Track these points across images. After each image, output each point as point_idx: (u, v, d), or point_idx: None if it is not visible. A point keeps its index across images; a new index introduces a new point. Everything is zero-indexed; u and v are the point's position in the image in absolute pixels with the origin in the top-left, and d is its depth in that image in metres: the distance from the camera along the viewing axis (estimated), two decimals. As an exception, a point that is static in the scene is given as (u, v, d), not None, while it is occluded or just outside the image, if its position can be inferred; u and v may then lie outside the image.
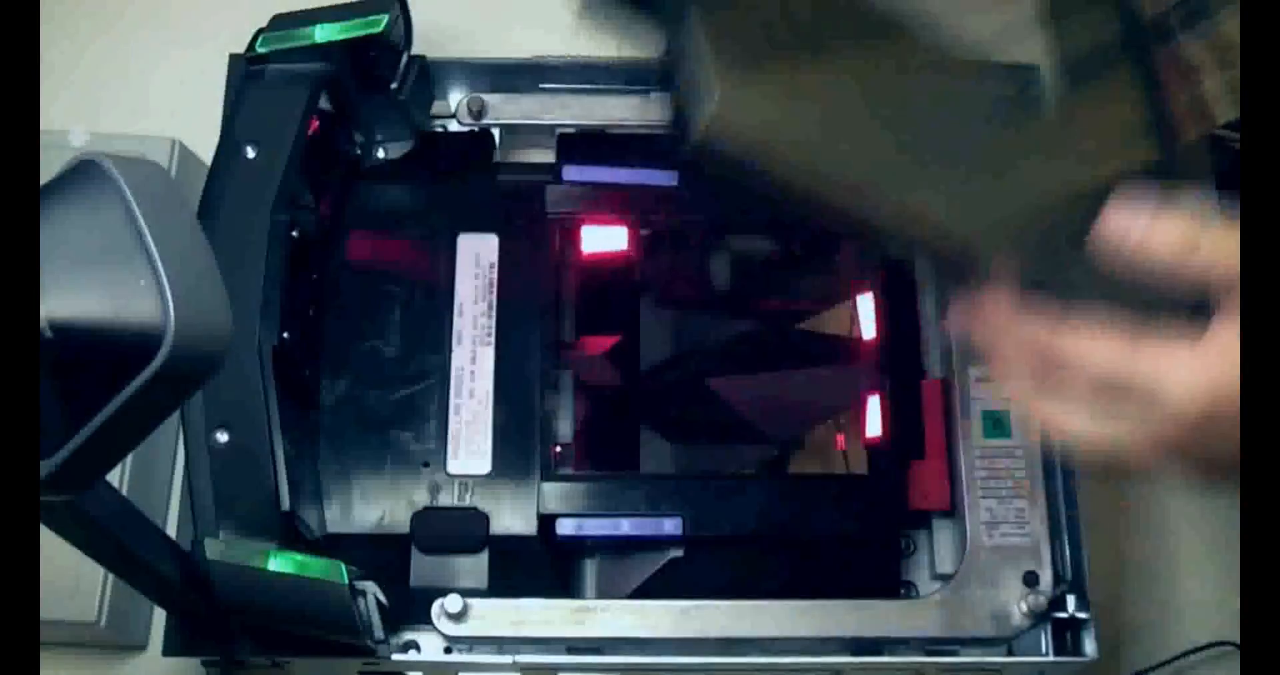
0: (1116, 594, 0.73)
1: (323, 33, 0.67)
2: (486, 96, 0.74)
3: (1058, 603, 0.64)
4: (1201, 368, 0.48)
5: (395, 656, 0.63)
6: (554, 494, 0.65)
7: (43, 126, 0.68)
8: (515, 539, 0.65)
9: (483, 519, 0.65)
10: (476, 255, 0.70)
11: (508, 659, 0.63)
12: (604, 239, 0.72)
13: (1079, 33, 0.57)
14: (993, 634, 0.64)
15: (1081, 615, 0.64)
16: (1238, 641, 0.71)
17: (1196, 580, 0.74)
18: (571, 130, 0.74)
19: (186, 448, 0.60)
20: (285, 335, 0.62)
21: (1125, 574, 0.74)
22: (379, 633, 0.61)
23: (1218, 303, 0.49)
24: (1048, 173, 0.53)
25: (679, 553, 0.65)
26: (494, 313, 0.69)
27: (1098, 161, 0.53)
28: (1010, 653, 0.65)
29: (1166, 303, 0.49)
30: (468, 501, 0.65)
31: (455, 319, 0.69)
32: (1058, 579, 0.65)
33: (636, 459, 0.69)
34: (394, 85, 0.70)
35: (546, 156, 0.74)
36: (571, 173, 0.72)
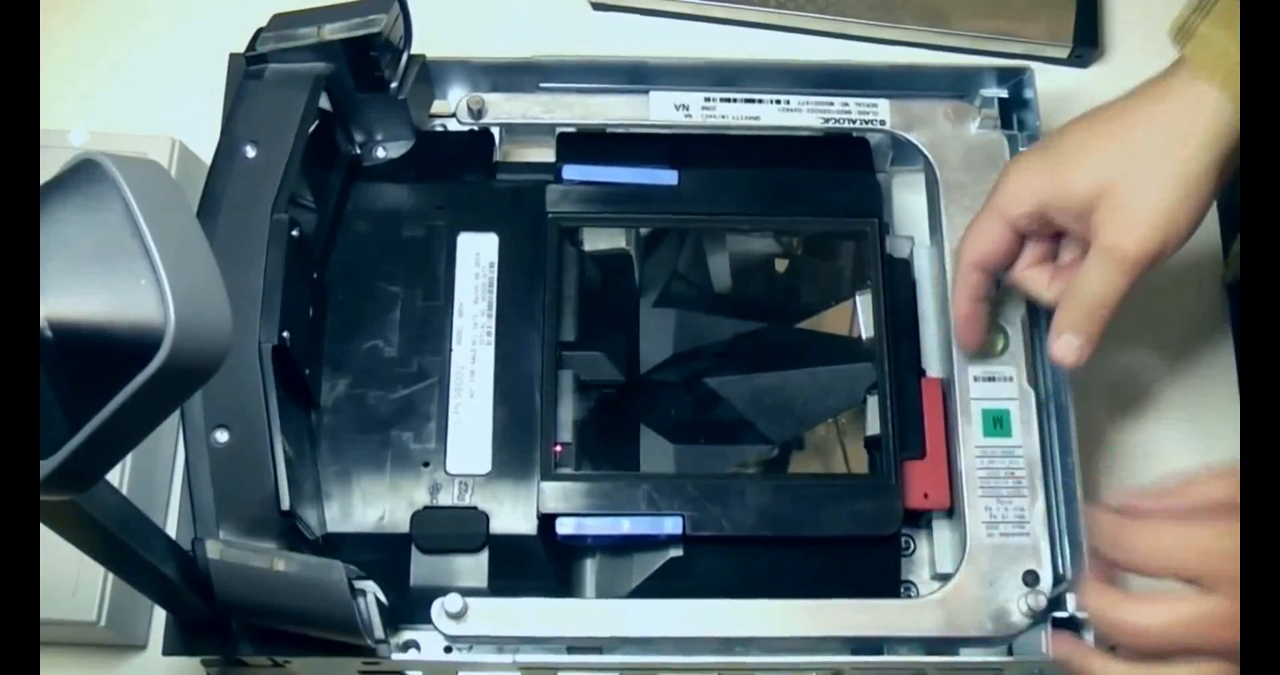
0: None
1: (323, 32, 0.67)
2: (486, 96, 0.74)
3: (1058, 602, 0.64)
4: None
5: (395, 656, 0.63)
6: (554, 493, 0.65)
7: (43, 126, 0.68)
8: (515, 538, 0.65)
9: (483, 519, 0.65)
10: (476, 255, 0.70)
11: (508, 659, 0.63)
12: (604, 239, 0.72)
13: None
14: (993, 634, 0.64)
15: (1082, 615, 0.64)
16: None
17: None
18: (571, 130, 0.74)
19: (186, 448, 0.60)
20: (285, 335, 0.62)
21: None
22: (379, 632, 0.61)
23: None
24: None
25: (679, 552, 0.65)
26: (494, 313, 0.69)
27: None
28: (1010, 652, 0.65)
29: None
30: (468, 501, 0.65)
31: (455, 319, 0.69)
32: (1058, 578, 0.65)
33: (636, 459, 0.69)
34: (394, 85, 0.70)
35: (546, 156, 0.74)
36: (571, 172, 0.72)
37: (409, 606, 0.63)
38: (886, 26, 0.83)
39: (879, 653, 0.64)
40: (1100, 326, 0.62)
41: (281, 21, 0.68)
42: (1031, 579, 0.64)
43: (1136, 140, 0.61)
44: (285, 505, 0.60)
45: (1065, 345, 0.63)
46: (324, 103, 0.69)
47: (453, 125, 0.74)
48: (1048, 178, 0.63)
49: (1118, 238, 0.60)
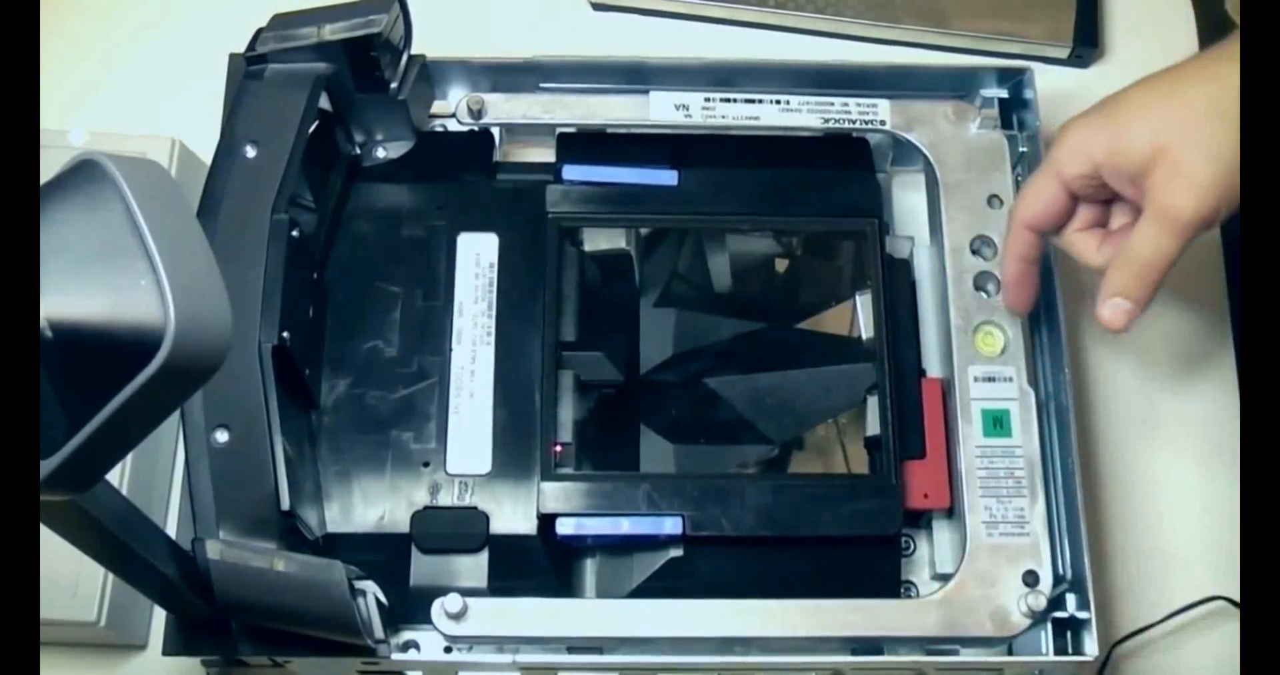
0: (1107, 552, 0.73)
1: (323, 32, 0.67)
2: (486, 96, 0.74)
3: (1058, 602, 0.64)
4: None
5: (395, 656, 0.63)
6: (554, 493, 0.65)
7: (43, 126, 0.68)
8: (515, 538, 0.65)
9: (483, 518, 0.65)
10: (476, 255, 0.70)
11: (508, 659, 0.63)
12: (604, 239, 0.72)
13: None
14: (993, 634, 0.64)
15: (1081, 615, 0.64)
16: (1230, 596, 0.70)
17: (1186, 535, 0.73)
18: (571, 130, 0.74)
19: (186, 448, 0.60)
20: (285, 335, 0.62)
21: (1114, 530, 0.73)
22: (379, 632, 0.61)
23: None
24: None
25: (679, 552, 0.65)
26: (494, 313, 0.69)
27: None
28: (1010, 652, 0.65)
29: None
30: (468, 501, 0.65)
31: (455, 319, 0.69)
32: (1058, 579, 0.65)
33: (636, 459, 0.69)
34: (394, 85, 0.70)
35: (546, 156, 0.74)
36: (571, 172, 0.72)
37: (409, 606, 0.63)
38: (886, 26, 0.83)
39: (879, 653, 0.64)
40: (1150, 290, 0.61)
41: (281, 21, 0.68)
42: (1031, 579, 0.64)
43: (1193, 104, 0.60)
44: (285, 505, 0.60)
45: (1114, 308, 0.62)
46: (324, 103, 0.69)
47: (453, 125, 0.74)
48: (1104, 137, 0.62)
49: (1172, 199, 0.60)
